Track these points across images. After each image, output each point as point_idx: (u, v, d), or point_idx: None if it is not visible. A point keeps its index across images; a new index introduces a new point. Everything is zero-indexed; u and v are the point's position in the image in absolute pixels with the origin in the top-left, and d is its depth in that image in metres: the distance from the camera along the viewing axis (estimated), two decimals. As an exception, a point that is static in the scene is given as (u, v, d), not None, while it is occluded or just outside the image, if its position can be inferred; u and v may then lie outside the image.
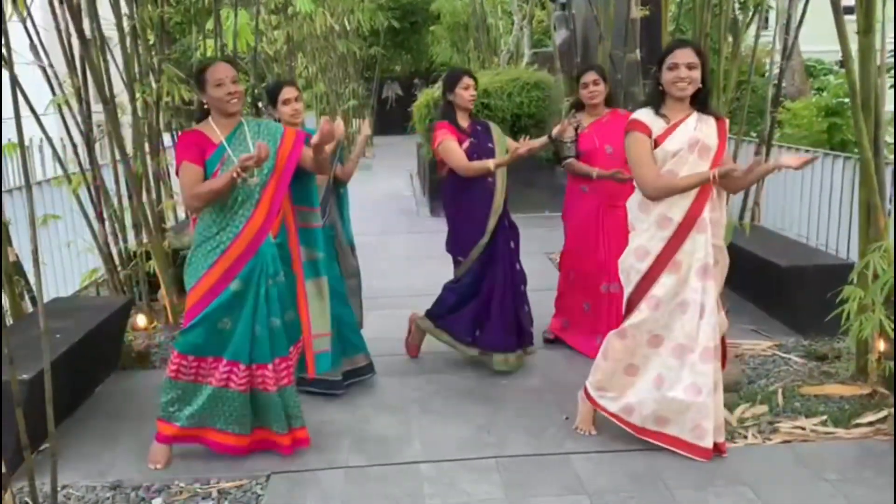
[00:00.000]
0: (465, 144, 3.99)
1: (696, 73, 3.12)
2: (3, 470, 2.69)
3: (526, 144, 3.80)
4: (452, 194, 4.16)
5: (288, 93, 3.75)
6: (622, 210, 3.45)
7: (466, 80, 4.02)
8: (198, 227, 3.19)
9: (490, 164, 3.91)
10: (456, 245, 4.20)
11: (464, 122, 4.09)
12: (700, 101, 3.20)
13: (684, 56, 3.10)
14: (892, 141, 6.71)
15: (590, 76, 4.31)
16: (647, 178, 3.15)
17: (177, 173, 3.17)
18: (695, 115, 3.19)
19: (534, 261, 6.63)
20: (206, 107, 3.22)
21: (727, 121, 3.24)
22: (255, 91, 6.78)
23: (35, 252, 2.70)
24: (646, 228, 3.20)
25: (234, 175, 2.96)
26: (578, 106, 4.48)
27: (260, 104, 7.07)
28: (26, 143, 4.64)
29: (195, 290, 3.14)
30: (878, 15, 3.47)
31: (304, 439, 3.33)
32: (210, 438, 3.26)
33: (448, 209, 4.23)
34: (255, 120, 3.30)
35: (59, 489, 2.87)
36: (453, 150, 3.93)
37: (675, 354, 3.18)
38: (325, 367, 3.62)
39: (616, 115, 4.34)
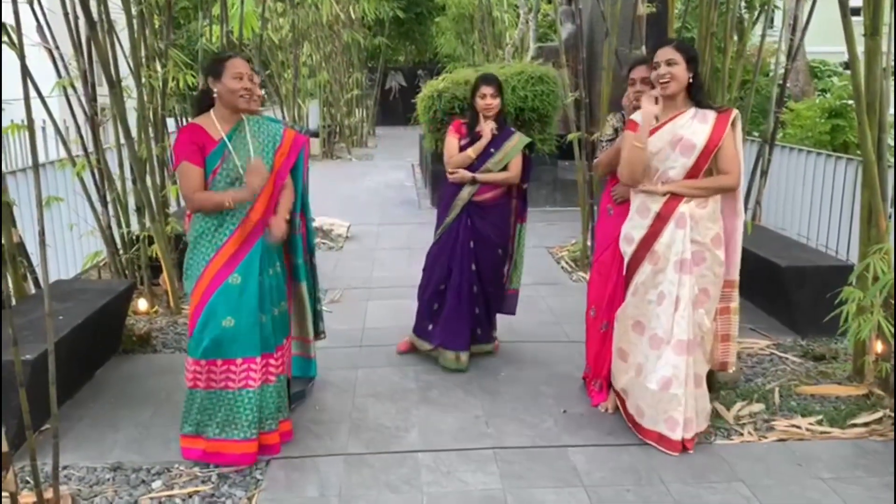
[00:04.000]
0: (465, 142, 4.10)
1: (677, 69, 3.16)
2: (6, 450, 2.71)
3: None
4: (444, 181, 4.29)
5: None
6: None
7: (483, 89, 4.01)
8: (194, 223, 3.15)
9: (470, 152, 4.05)
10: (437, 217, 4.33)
11: (486, 126, 4.07)
12: (693, 96, 3.23)
13: (664, 54, 3.18)
14: (895, 144, 6.71)
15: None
16: (620, 170, 3.35)
17: (173, 169, 3.14)
18: (690, 112, 3.22)
19: (534, 255, 6.66)
20: (212, 96, 3.14)
21: (732, 113, 3.21)
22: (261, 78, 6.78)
23: (41, 234, 2.71)
24: (631, 216, 3.36)
25: (234, 201, 3.03)
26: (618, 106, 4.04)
27: (263, 90, 7.09)
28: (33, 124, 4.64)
29: (197, 288, 3.10)
30: (886, 18, 3.47)
31: (289, 432, 3.34)
32: (227, 453, 3.16)
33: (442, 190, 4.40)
34: (255, 118, 3.26)
35: (60, 469, 2.88)
36: (448, 144, 4.17)
37: (651, 345, 3.29)
38: (296, 371, 3.64)
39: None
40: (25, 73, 2.88)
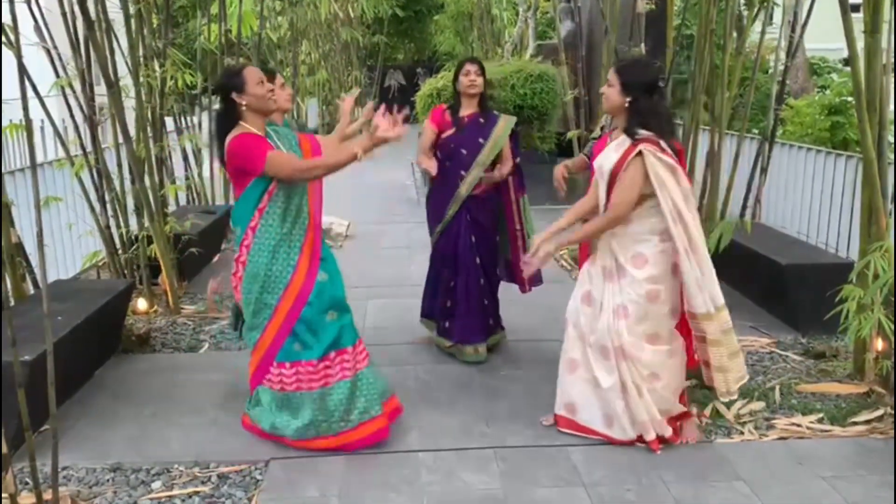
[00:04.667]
0: (449, 133, 4.09)
1: (609, 90, 3.18)
2: (5, 451, 2.70)
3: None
4: (432, 178, 4.26)
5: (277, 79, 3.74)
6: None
7: (467, 67, 4.07)
8: (262, 236, 3.13)
9: (423, 161, 4.07)
10: (427, 219, 4.34)
11: (467, 110, 4.10)
12: (628, 124, 3.18)
13: (608, 74, 3.23)
14: (895, 141, 6.70)
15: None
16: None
17: (257, 171, 3.06)
18: (621, 137, 3.20)
19: (534, 253, 6.65)
20: (236, 114, 3.13)
21: (637, 148, 3.09)
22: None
23: (39, 235, 2.70)
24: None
25: (364, 150, 3.05)
26: None
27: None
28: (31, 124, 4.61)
29: (290, 291, 3.14)
30: (886, 15, 3.46)
31: (398, 409, 3.47)
32: (360, 436, 3.25)
33: (429, 187, 4.42)
34: (273, 125, 3.30)
35: (59, 470, 2.88)
36: (425, 135, 4.17)
37: (580, 341, 3.33)
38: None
39: None
40: (22, 72, 2.87)
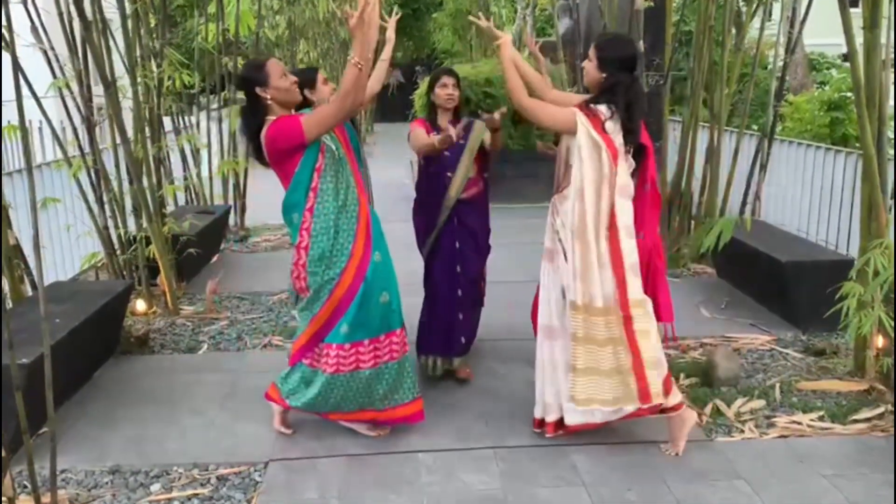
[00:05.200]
0: (431, 135, 3.92)
1: (588, 65, 3.20)
2: (4, 454, 2.70)
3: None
4: (418, 180, 4.19)
5: (322, 74, 3.75)
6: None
7: (444, 80, 3.94)
8: (321, 213, 3.10)
9: (434, 140, 3.75)
10: (416, 233, 4.22)
11: (443, 120, 3.99)
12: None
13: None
14: (895, 136, 6.68)
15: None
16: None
17: (304, 139, 3.01)
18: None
19: (532, 252, 6.61)
20: (262, 109, 3.10)
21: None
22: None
23: (36, 237, 2.69)
24: None
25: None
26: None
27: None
28: (26, 125, 4.59)
29: (350, 264, 3.13)
30: (885, 11, 3.45)
31: (420, 412, 3.40)
32: (403, 414, 3.34)
33: (416, 200, 4.19)
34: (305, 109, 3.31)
35: (57, 473, 2.87)
36: (417, 135, 3.93)
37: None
38: None
39: None
40: (17, 69, 2.85)
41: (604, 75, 3.14)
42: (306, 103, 3.53)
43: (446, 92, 3.93)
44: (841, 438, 3.34)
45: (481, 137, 3.97)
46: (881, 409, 3.52)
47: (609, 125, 3.09)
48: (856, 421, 3.47)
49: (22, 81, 2.84)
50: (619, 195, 3.12)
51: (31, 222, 2.68)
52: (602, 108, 3.10)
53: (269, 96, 3.09)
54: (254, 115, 3.15)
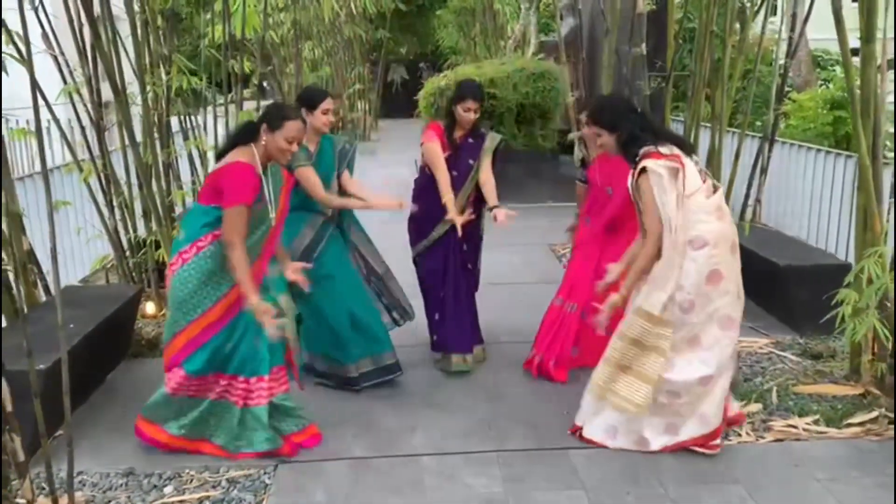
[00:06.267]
0: (445, 155, 4.10)
1: (601, 139, 3.35)
2: (22, 458, 2.79)
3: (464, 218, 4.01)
4: (420, 190, 4.29)
5: (329, 104, 3.85)
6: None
7: (468, 103, 4.03)
8: (206, 257, 3.19)
9: (449, 199, 3.99)
10: (409, 233, 4.36)
11: (459, 132, 4.13)
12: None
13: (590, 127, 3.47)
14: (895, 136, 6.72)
15: (583, 117, 4.08)
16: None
17: (224, 206, 3.11)
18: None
19: (537, 253, 6.72)
20: (257, 134, 3.20)
21: (639, 167, 3.23)
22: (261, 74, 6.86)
23: (53, 250, 2.78)
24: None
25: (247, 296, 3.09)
26: None
27: (265, 83, 7.12)
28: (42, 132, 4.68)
29: (203, 318, 3.21)
30: (879, 23, 3.51)
31: (315, 437, 3.46)
32: (203, 450, 3.36)
33: (413, 198, 4.33)
34: (274, 166, 3.35)
35: (74, 475, 2.97)
36: (435, 154, 4.07)
37: None
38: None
39: None
40: (34, 81, 2.94)
41: (617, 134, 3.27)
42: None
43: (469, 117, 4.06)
44: (835, 442, 3.42)
45: (490, 151, 4.12)
46: (875, 414, 3.60)
47: (664, 150, 3.20)
48: (850, 425, 3.54)
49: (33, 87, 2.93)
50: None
51: (49, 235, 2.77)
52: (645, 148, 3.20)
53: (264, 141, 3.19)
54: (247, 134, 3.25)
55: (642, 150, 3.20)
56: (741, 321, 3.38)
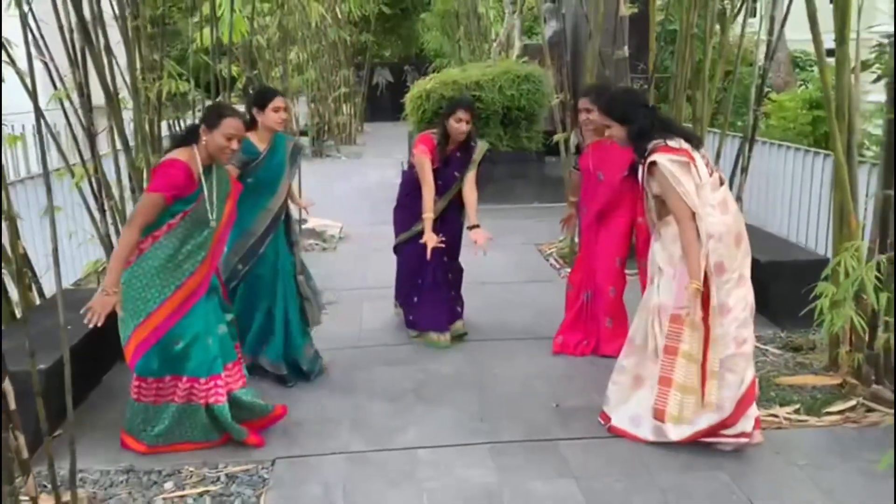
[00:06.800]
0: (435, 165, 4.40)
1: (613, 130, 3.45)
2: (26, 455, 2.85)
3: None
4: (406, 185, 4.66)
5: (279, 102, 3.93)
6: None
7: (460, 114, 4.29)
8: (157, 252, 3.27)
9: (428, 218, 4.30)
10: (393, 223, 4.73)
11: (452, 144, 4.41)
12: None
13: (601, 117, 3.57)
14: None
15: (581, 102, 4.35)
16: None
17: (148, 189, 3.27)
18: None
19: (523, 252, 6.83)
20: (202, 140, 3.28)
21: (649, 161, 3.31)
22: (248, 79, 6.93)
23: (55, 252, 2.85)
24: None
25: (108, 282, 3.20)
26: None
27: (250, 88, 7.19)
28: (24, 133, 4.72)
29: (150, 320, 3.29)
30: (853, 24, 3.64)
31: (278, 416, 3.55)
32: (186, 449, 3.44)
33: (398, 195, 4.73)
34: (220, 168, 3.44)
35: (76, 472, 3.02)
36: (424, 170, 4.36)
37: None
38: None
39: None
40: (35, 84, 3.00)
41: (628, 126, 3.35)
42: (253, 124, 3.84)
43: (461, 129, 4.29)
44: (815, 430, 3.55)
45: (478, 159, 4.40)
46: (853, 402, 3.73)
47: (673, 144, 3.28)
48: (829, 413, 3.67)
49: (25, 93, 3.00)
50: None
51: (51, 237, 2.83)
52: (655, 142, 3.29)
53: (204, 140, 3.28)
54: (189, 135, 3.36)
55: (651, 144, 3.29)
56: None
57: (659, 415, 3.31)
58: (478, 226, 4.36)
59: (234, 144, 3.30)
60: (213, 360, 3.37)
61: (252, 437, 3.44)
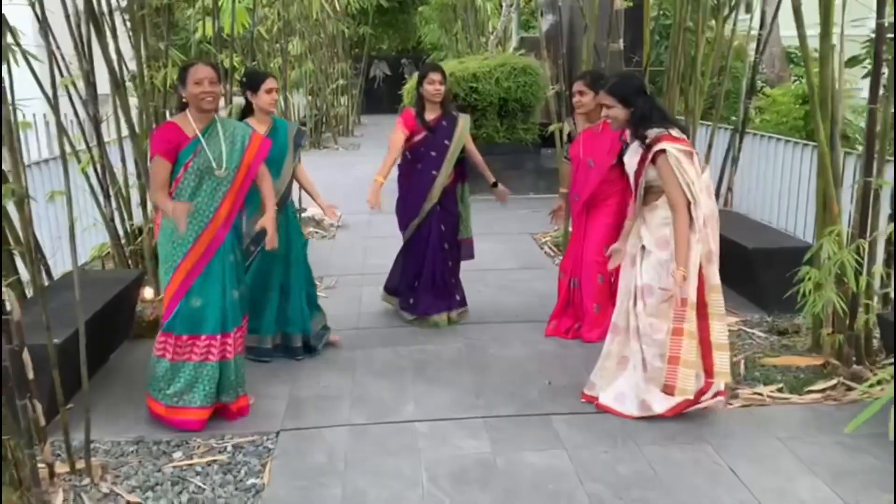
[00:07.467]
0: (420, 137, 4.55)
1: (612, 111, 3.54)
2: (43, 423, 2.99)
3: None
4: (404, 172, 4.77)
5: (271, 83, 4.06)
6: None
7: (431, 76, 4.48)
8: (167, 219, 3.42)
9: (378, 181, 4.55)
10: (398, 215, 4.86)
11: (431, 114, 4.56)
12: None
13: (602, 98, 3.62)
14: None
15: (576, 85, 4.47)
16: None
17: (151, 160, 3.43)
18: (635, 143, 3.53)
19: (519, 241, 6.97)
20: (184, 101, 3.46)
21: (655, 148, 3.38)
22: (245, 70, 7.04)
23: (71, 229, 2.98)
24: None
25: (173, 212, 3.29)
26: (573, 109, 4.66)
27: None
28: (31, 120, 4.86)
29: (177, 273, 3.44)
30: (837, 18, 3.78)
31: (246, 406, 3.68)
32: (182, 417, 3.53)
33: (398, 183, 4.82)
34: (228, 120, 3.57)
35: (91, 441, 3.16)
36: (394, 140, 4.59)
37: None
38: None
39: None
40: (53, 72, 3.13)
41: (630, 109, 3.46)
42: (249, 107, 3.99)
43: (434, 87, 4.44)
44: (796, 407, 3.71)
45: (465, 134, 4.49)
46: (834, 381, 3.89)
47: (675, 133, 3.41)
48: (811, 391, 3.83)
49: (32, 80, 3.12)
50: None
51: (68, 216, 2.97)
52: (657, 130, 3.40)
53: (183, 96, 3.43)
54: (179, 104, 3.53)
55: (654, 132, 3.38)
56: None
57: (669, 390, 3.44)
58: (496, 184, 4.68)
59: (207, 86, 3.35)
60: (224, 319, 3.51)
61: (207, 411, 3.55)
